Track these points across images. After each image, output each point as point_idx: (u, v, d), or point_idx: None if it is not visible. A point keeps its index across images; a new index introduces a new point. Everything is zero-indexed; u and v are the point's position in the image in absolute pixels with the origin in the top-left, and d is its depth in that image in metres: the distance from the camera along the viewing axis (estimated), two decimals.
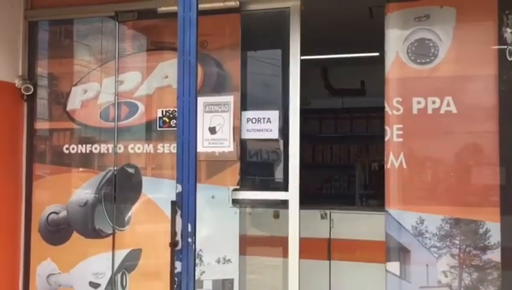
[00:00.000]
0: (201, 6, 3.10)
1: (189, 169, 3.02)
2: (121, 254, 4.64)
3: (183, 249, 2.98)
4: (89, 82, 4.83)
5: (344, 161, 8.52)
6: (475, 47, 3.90)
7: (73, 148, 4.82)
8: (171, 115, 4.48)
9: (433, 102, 3.93)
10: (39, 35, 4.99)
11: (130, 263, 4.61)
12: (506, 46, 3.76)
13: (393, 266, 3.96)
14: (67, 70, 4.94)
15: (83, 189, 4.79)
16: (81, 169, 4.83)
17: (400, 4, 4.03)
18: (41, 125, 4.97)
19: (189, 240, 2.98)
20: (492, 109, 3.84)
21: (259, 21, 4.40)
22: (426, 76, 3.99)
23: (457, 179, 3.94)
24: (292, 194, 4.21)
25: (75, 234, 4.77)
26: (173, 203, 3.00)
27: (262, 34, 4.49)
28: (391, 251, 3.98)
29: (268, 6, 4.35)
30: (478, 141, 3.91)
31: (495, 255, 3.79)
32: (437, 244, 3.88)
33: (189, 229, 2.99)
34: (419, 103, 3.96)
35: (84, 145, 4.79)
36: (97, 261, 4.69)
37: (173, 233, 2.99)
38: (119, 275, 4.63)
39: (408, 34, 4.00)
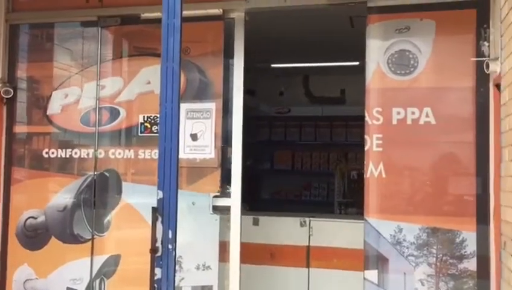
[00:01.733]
0: (185, 13, 3.11)
1: (171, 176, 3.02)
2: (99, 260, 4.61)
3: (163, 256, 2.98)
4: (70, 86, 4.80)
5: (324, 169, 8.56)
6: (454, 59, 3.97)
7: (52, 153, 4.79)
8: (152, 121, 4.48)
9: (413, 113, 3.99)
10: (20, 39, 4.95)
11: (108, 269, 4.59)
12: (483, 59, 3.82)
13: (372, 274, 4.00)
14: (48, 74, 4.92)
15: (62, 194, 4.75)
16: (60, 174, 4.79)
17: (380, 16, 4.09)
18: (21, 129, 4.92)
19: (170, 246, 2.98)
20: (469, 120, 3.92)
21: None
22: (406, 87, 4.05)
23: (435, 188, 4.00)
24: (234, 201, 4.28)
25: (53, 239, 4.72)
26: (154, 209, 3.00)
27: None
28: (369, 259, 4.01)
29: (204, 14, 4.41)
30: (456, 151, 3.98)
31: (471, 264, 3.85)
32: (414, 253, 3.93)
33: (170, 236, 2.99)
34: (398, 113, 4.02)
35: (64, 150, 4.75)
36: (75, 267, 4.65)
37: (154, 239, 2.98)
38: (97, 281, 4.60)
39: (389, 45, 4.07)
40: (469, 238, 3.86)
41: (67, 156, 4.75)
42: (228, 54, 4.39)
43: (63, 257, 4.70)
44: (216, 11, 4.35)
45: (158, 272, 2.98)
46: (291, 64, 7.48)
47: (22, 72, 4.95)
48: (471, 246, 3.85)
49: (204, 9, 4.34)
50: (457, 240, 3.88)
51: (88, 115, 4.71)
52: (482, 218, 3.82)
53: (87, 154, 4.69)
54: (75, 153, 4.73)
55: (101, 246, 4.62)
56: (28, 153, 4.93)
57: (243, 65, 4.35)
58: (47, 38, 4.99)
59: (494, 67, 3.68)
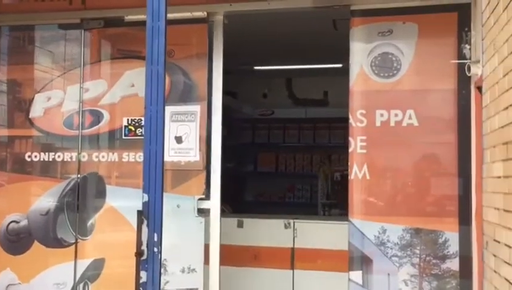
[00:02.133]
0: (169, 15, 3.11)
1: (156, 179, 3.03)
2: (83, 264, 4.58)
3: (148, 259, 2.98)
4: (53, 89, 4.77)
5: (307, 171, 8.59)
6: (436, 62, 4.02)
7: (35, 156, 4.75)
8: (136, 124, 4.46)
9: (396, 115, 4.03)
10: (2, 41, 4.90)
11: (92, 273, 4.56)
12: (465, 62, 3.86)
13: (356, 275, 4.03)
14: (31, 77, 4.88)
15: (44, 197, 4.71)
16: (43, 177, 4.75)
17: (364, 19, 4.12)
18: (3, 132, 4.87)
19: (155, 249, 2.98)
20: (451, 122, 3.97)
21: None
22: (389, 89, 4.09)
23: (418, 189, 4.04)
24: (214, 203, 4.30)
25: (36, 244, 4.68)
26: (139, 212, 3.00)
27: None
28: (354, 260, 4.04)
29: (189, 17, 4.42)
30: (438, 153, 4.03)
31: (454, 264, 3.90)
32: (398, 253, 3.96)
33: (155, 239, 2.99)
34: (382, 115, 4.06)
35: (47, 153, 4.72)
36: (59, 271, 4.61)
37: (139, 243, 2.98)
38: (81, 285, 4.56)
39: (372, 48, 4.10)
40: (452, 238, 3.91)
41: (50, 159, 4.71)
42: (213, 56, 4.39)
43: (46, 261, 4.66)
44: (200, 13, 4.36)
45: (143, 275, 2.98)
46: (274, 67, 7.50)
47: (3, 75, 4.91)
48: (453, 246, 3.90)
49: (189, 12, 4.35)
50: (440, 241, 3.93)
51: (71, 118, 4.68)
52: (464, 218, 3.87)
53: (71, 158, 4.66)
54: (58, 157, 4.69)
55: (85, 250, 4.59)
56: (10, 156, 4.87)
57: (221, 68, 4.36)
58: (29, 41, 4.95)
59: (475, 70, 3.73)
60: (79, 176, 4.63)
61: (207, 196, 4.33)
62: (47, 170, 4.75)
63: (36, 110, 4.78)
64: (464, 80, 3.92)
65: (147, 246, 2.98)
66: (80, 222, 4.60)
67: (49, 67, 4.84)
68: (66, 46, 4.79)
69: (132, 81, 4.54)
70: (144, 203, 3.00)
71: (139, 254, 2.98)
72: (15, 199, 4.81)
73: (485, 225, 3.51)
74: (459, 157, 3.93)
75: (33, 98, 4.79)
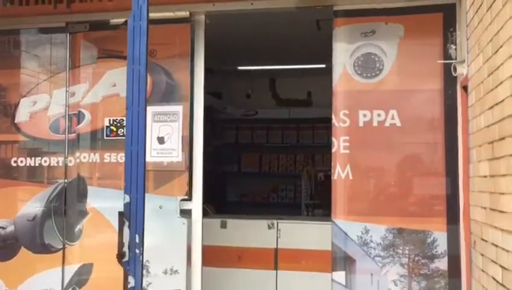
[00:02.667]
0: (152, 15, 3.10)
1: (138, 179, 3.00)
2: (71, 269, 4.55)
3: (130, 261, 2.95)
4: (39, 93, 4.75)
5: (291, 171, 8.56)
6: (420, 62, 4.01)
7: (21, 161, 4.72)
8: (118, 124, 4.44)
9: (379, 115, 4.02)
10: None
11: (80, 278, 4.52)
12: (451, 62, 3.86)
13: (339, 276, 4.01)
14: (16, 82, 4.85)
15: (31, 203, 4.68)
16: (29, 182, 4.72)
17: (347, 19, 4.12)
18: None
19: (137, 251, 2.95)
20: (438, 121, 3.96)
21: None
22: (372, 89, 4.08)
23: (404, 190, 4.03)
24: (195, 204, 4.29)
25: (23, 250, 4.65)
26: (121, 214, 2.97)
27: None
28: (337, 260, 4.02)
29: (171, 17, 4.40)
30: (422, 153, 4.02)
31: (442, 264, 3.88)
32: (381, 253, 3.94)
33: (137, 240, 2.96)
34: (365, 115, 4.05)
35: (33, 158, 4.69)
36: (46, 277, 4.58)
37: (120, 244, 2.95)
38: None
39: (355, 48, 4.10)
40: (440, 238, 3.90)
41: (37, 164, 4.68)
42: (194, 56, 4.38)
43: (33, 267, 4.62)
44: (183, 13, 4.34)
45: (131, 280, 2.94)
46: (258, 67, 7.49)
47: None
48: (442, 246, 3.89)
49: (172, 11, 4.33)
50: (429, 240, 3.91)
51: (57, 122, 4.66)
52: (452, 218, 3.86)
53: (57, 162, 4.63)
54: (45, 161, 4.67)
55: (72, 255, 4.56)
56: None
57: (203, 68, 4.36)
58: (14, 45, 4.92)
59: (461, 70, 3.74)
60: (66, 180, 4.60)
61: (189, 197, 4.31)
62: (33, 175, 4.72)
63: (22, 115, 4.75)
64: (450, 80, 3.91)
65: (129, 248, 2.95)
66: (67, 227, 4.56)
67: (35, 71, 4.81)
68: (51, 49, 4.76)
69: (114, 80, 4.52)
70: (126, 205, 2.97)
71: (120, 255, 2.95)
72: (1, 205, 4.77)
73: (472, 224, 3.50)
74: (446, 157, 3.92)
75: (19, 103, 4.77)
